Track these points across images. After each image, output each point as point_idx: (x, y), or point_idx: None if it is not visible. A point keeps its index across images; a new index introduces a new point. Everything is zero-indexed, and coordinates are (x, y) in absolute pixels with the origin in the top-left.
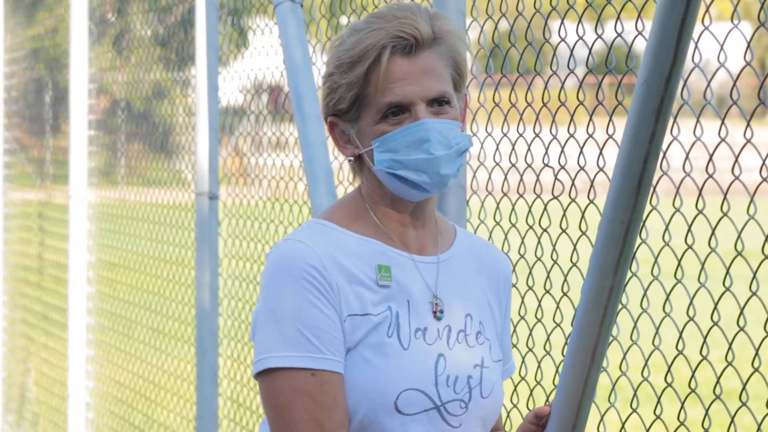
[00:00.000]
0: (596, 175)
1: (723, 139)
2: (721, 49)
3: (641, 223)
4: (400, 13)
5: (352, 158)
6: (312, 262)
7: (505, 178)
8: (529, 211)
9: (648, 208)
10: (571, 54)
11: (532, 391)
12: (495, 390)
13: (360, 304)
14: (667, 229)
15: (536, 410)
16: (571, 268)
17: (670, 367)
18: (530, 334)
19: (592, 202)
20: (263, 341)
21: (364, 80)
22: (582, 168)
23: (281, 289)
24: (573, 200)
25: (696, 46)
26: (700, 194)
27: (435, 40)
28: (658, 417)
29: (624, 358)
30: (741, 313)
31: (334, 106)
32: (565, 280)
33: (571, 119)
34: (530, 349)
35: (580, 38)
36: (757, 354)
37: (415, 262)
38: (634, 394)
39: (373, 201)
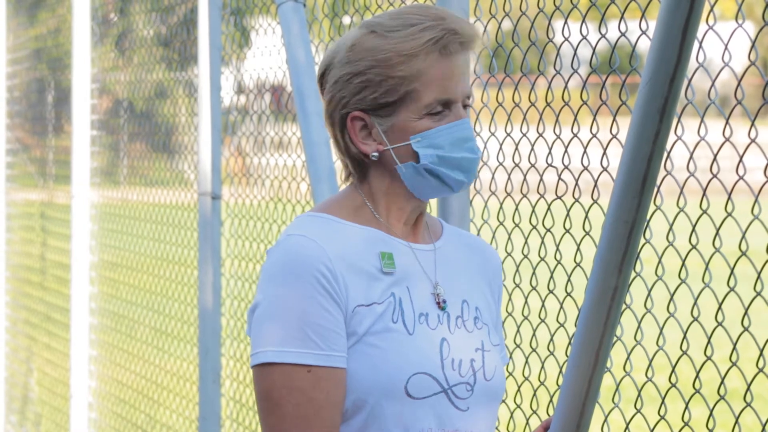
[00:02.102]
0: (600, 175)
1: (727, 139)
2: (726, 48)
3: (645, 223)
4: (441, 12)
5: (376, 154)
6: (322, 259)
7: (509, 178)
8: (533, 211)
9: (652, 208)
10: (575, 54)
11: (535, 391)
12: (497, 373)
13: (366, 293)
14: (671, 229)
15: (545, 422)
16: (574, 268)
17: (674, 368)
18: (534, 335)
19: (595, 202)
20: (264, 334)
21: (417, 74)
22: (585, 168)
23: (287, 285)
24: (576, 200)
25: (700, 46)
26: (704, 194)
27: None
28: (662, 417)
29: (628, 358)
30: (745, 313)
31: (374, 99)
32: (569, 280)
33: (575, 119)
34: (534, 350)
35: (584, 38)
36: (761, 354)
37: (413, 249)
38: (638, 395)
39: (375, 198)
